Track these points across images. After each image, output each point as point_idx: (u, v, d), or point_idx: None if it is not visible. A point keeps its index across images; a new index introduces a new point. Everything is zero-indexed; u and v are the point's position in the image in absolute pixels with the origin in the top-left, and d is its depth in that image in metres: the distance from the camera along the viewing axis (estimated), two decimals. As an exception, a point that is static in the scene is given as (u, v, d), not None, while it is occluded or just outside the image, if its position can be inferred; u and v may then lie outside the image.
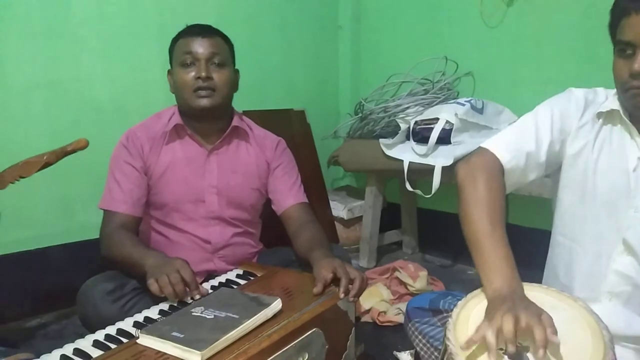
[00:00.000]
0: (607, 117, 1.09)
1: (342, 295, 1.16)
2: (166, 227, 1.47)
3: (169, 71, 1.47)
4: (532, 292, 0.97)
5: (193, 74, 1.37)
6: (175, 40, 1.44)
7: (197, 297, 1.16)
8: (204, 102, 1.38)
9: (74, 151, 1.40)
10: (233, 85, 1.47)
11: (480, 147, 1.16)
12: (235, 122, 1.49)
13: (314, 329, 1.08)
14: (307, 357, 1.07)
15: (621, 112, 1.05)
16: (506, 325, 0.82)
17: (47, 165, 1.38)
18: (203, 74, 1.36)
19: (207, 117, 1.44)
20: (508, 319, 0.82)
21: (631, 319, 1.05)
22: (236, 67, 1.50)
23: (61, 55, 1.88)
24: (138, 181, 1.41)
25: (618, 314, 1.04)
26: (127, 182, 1.40)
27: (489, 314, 0.88)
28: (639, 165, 1.03)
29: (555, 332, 0.82)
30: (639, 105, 0.98)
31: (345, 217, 2.48)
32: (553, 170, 1.18)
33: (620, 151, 1.06)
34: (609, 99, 1.10)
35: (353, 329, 1.24)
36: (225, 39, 1.46)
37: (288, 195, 1.54)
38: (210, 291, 1.21)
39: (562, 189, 1.16)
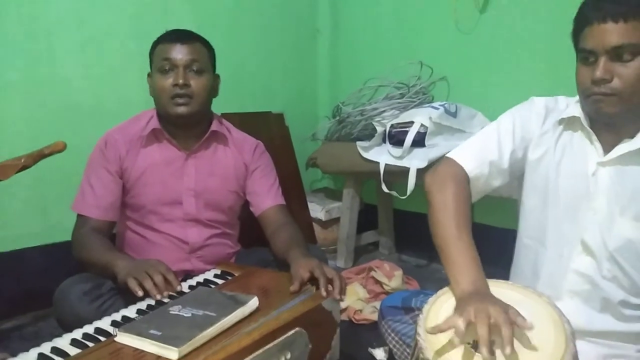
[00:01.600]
0: (568, 123, 1.15)
1: (324, 293, 1.18)
2: (144, 227, 1.48)
3: (148, 74, 1.47)
4: (498, 288, 1.02)
5: (171, 80, 1.38)
6: (154, 45, 1.45)
7: (179, 288, 1.18)
8: (181, 109, 1.39)
9: (51, 154, 1.39)
10: (211, 91, 1.48)
11: (446, 157, 1.22)
12: (214, 126, 1.50)
13: (297, 329, 1.09)
14: (289, 356, 1.08)
15: (581, 118, 1.11)
16: (479, 317, 0.86)
17: (24, 168, 1.38)
18: (180, 81, 1.37)
19: (185, 124, 1.45)
20: (480, 312, 0.86)
21: (592, 316, 1.10)
22: (216, 71, 1.51)
23: (37, 56, 1.87)
24: (112, 186, 1.42)
25: (579, 312, 1.09)
26: (101, 187, 1.41)
27: (459, 309, 0.92)
28: (598, 169, 1.08)
29: (524, 320, 0.87)
30: (601, 111, 1.03)
31: (323, 219, 2.51)
32: (517, 176, 1.23)
33: (581, 156, 1.11)
34: (569, 106, 1.16)
35: (338, 329, 1.26)
36: (206, 44, 1.47)
37: (266, 197, 1.56)
38: (188, 291, 1.23)
39: (526, 193, 1.22)
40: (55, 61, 1.91)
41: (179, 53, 1.38)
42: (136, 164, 1.44)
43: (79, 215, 1.41)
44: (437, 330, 0.89)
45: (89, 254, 1.32)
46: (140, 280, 1.15)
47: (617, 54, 0.98)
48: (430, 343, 0.93)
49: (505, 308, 0.90)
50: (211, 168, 1.51)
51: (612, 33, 0.98)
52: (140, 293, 1.14)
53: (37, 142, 1.44)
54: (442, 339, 0.93)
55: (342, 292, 1.22)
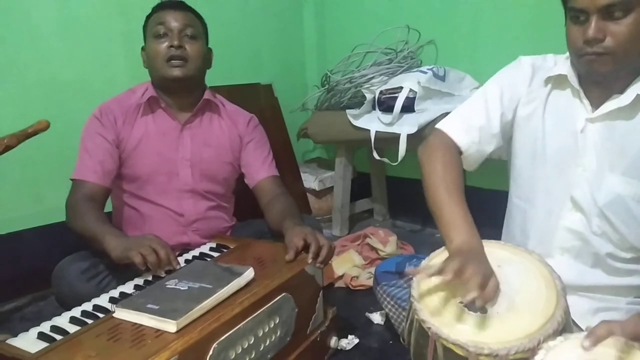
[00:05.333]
0: (556, 81, 1.14)
1: (310, 260, 1.21)
2: (139, 200, 1.48)
3: (142, 47, 1.48)
4: (489, 247, 1.04)
5: (166, 44, 1.40)
6: (148, 16, 1.47)
7: (178, 266, 1.19)
8: (176, 71, 1.41)
9: (35, 133, 1.37)
10: (205, 60, 1.50)
11: (435, 128, 1.25)
12: (207, 95, 1.52)
13: (283, 294, 1.13)
14: (277, 321, 1.12)
15: (569, 76, 1.10)
16: (466, 268, 0.91)
17: (8, 148, 1.36)
18: (175, 43, 1.39)
19: (180, 89, 1.46)
20: (466, 265, 0.92)
21: (582, 271, 1.12)
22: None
23: (19, 35, 1.83)
24: (109, 152, 1.42)
25: (570, 267, 1.12)
26: (98, 152, 1.40)
27: (448, 260, 0.96)
28: (587, 126, 1.09)
29: (488, 300, 0.91)
30: (594, 70, 1.02)
31: (317, 188, 2.51)
32: (509, 137, 1.24)
33: (569, 113, 1.12)
34: (557, 64, 1.15)
35: (321, 292, 1.29)
36: (198, 16, 1.49)
37: (260, 169, 1.57)
38: (184, 264, 1.24)
39: (515, 153, 1.23)
40: (37, 40, 1.87)
41: (174, 19, 1.41)
42: (132, 135, 1.45)
43: (74, 182, 1.39)
44: (426, 272, 0.94)
45: (80, 223, 1.29)
46: (144, 254, 1.14)
47: (608, 12, 0.96)
48: (424, 304, 0.95)
49: (488, 276, 0.93)
50: (206, 139, 1.52)
51: None
52: (143, 268, 1.15)
53: (24, 123, 1.41)
54: (436, 300, 0.96)
55: (325, 261, 1.25)
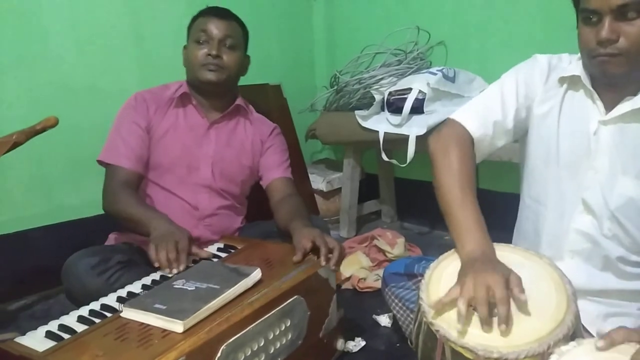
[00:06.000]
0: (570, 82, 1.13)
1: (323, 263, 1.20)
2: (158, 188, 1.51)
3: (184, 46, 1.54)
4: (500, 251, 1.02)
5: (205, 50, 1.46)
6: (194, 19, 1.52)
7: (182, 268, 1.19)
8: (211, 75, 1.46)
9: (43, 130, 1.37)
10: (241, 68, 1.56)
11: (449, 119, 1.20)
12: (239, 102, 1.59)
13: (295, 297, 1.12)
14: (289, 324, 1.11)
15: (582, 77, 1.09)
16: (478, 293, 0.87)
17: (16, 145, 1.36)
18: (214, 52, 1.45)
19: (212, 92, 1.52)
20: (479, 287, 0.88)
21: (592, 274, 1.11)
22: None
23: (29, 35, 1.84)
24: (142, 139, 1.47)
25: (580, 271, 1.10)
26: (132, 139, 1.45)
27: (461, 278, 0.93)
28: (600, 128, 1.07)
29: (522, 291, 0.88)
30: (607, 72, 1.01)
31: (325, 190, 2.51)
32: (521, 135, 1.22)
33: (582, 115, 1.10)
34: (572, 63, 1.14)
35: (335, 295, 1.29)
36: (241, 25, 1.55)
37: (275, 170, 1.62)
38: (192, 265, 1.25)
39: (528, 153, 1.21)
40: (47, 39, 1.88)
41: (216, 28, 1.46)
42: (161, 124, 1.50)
43: (109, 167, 1.44)
44: (439, 305, 0.90)
45: (123, 208, 1.35)
46: (157, 250, 1.18)
47: (622, 12, 0.95)
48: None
49: (507, 274, 0.91)
50: (230, 140, 1.58)
51: None
52: (157, 264, 1.18)
53: (32, 122, 1.42)
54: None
55: (338, 263, 1.25)
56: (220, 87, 1.51)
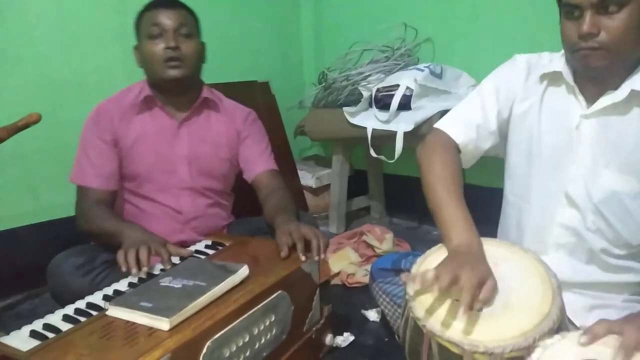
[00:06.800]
0: (551, 78, 1.14)
1: (303, 258, 1.20)
2: (139, 197, 1.48)
3: (135, 46, 1.46)
4: (486, 245, 1.04)
5: (162, 45, 1.38)
6: (141, 14, 1.44)
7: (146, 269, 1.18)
8: (174, 72, 1.39)
9: (26, 126, 1.35)
10: (201, 56, 1.48)
11: (433, 128, 1.25)
12: (206, 93, 1.51)
13: (279, 292, 1.12)
14: (273, 319, 1.11)
15: (564, 73, 1.10)
16: (445, 282, 0.89)
17: None
18: (172, 44, 1.37)
19: (177, 89, 1.45)
20: (449, 275, 0.89)
21: (577, 267, 1.12)
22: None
23: (14, 31, 1.82)
24: (109, 154, 1.42)
25: (565, 264, 1.11)
26: (98, 156, 1.41)
27: (440, 265, 0.95)
28: (581, 122, 1.08)
29: (487, 300, 0.90)
30: (589, 65, 1.02)
31: (314, 186, 2.51)
32: (505, 135, 1.24)
33: (564, 110, 1.11)
34: (553, 61, 1.15)
35: (317, 290, 1.29)
36: (190, 11, 1.47)
37: (258, 163, 1.57)
38: (179, 262, 1.24)
39: (510, 150, 1.23)
40: (32, 36, 1.86)
41: (167, 18, 1.38)
42: (129, 133, 1.44)
43: (79, 188, 1.41)
44: (417, 278, 0.92)
45: (96, 225, 1.33)
46: (126, 254, 1.15)
47: (602, 6, 0.96)
48: (419, 302, 0.95)
49: (484, 277, 0.92)
50: (203, 135, 1.52)
51: None
52: (124, 269, 1.15)
53: (17, 118, 1.41)
54: (431, 297, 0.95)
55: (321, 250, 1.24)
56: (185, 82, 1.43)
